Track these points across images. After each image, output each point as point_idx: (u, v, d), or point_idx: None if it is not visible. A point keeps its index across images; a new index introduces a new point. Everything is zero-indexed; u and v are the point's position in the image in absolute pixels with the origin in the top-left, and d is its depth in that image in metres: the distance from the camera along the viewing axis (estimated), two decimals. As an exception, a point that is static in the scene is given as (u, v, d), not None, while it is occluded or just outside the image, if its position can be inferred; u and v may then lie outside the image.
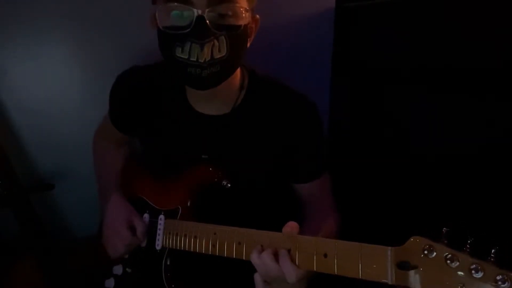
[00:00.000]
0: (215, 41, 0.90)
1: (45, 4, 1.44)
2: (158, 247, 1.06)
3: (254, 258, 0.84)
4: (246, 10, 0.94)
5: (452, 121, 1.33)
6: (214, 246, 0.93)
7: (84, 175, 1.64)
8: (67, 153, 1.66)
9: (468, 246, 0.61)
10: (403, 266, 0.66)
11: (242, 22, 0.93)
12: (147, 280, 1.09)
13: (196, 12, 0.87)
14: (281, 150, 1.11)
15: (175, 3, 0.88)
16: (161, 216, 1.08)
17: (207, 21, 0.87)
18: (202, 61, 0.90)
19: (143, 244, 1.10)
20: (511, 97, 1.13)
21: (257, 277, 0.87)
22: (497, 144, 1.21)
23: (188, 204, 1.06)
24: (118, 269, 1.15)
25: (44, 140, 1.62)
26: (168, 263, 1.05)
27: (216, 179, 1.06)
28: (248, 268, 0.93)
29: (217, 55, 0.91)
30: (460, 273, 0.60)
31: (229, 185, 1.06)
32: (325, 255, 0.76)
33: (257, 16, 1.03)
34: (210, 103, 1.09)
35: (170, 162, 1.15)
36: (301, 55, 1.69)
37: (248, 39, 1.01)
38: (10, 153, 1.54)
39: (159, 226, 1.07)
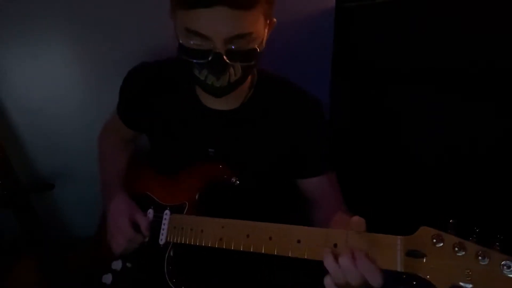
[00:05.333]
0: (231, 68, 0.92)
1: (45, 4, 1.44)
2: (161, 242, 1.06)
3: (330, 263, 0.76)
4: (262, 33, 0.94)
5: (452, 120, 1.33)
6: (221, 239, 0.93)
7: (84, 175, 1.64)
8: (67, 153, 1.66)
9: (474, 236, 0.63)
10: (412, 254, 0.68)
11: (258, 46, 0.93)
12: (148, 274, 1.09)
13: (214, 49, 0.88)
14: (288, 145, 1.12)
15: (194, 35, 0.88)
16: (167, 211, 1.08)
17: (224, 57, 0.88)
18: (218, 86, 0.95)
19: (146, 239, 1.10)
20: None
21: (328, 281, 0.78)
22: (498, 144, 1.21)
23: (196, 200, 1.07)
24: (117, 264, 1.14)
25: (44, 140, 1.63)
26: (171, 254, 1.05)
27: (225, 176, 1.07)
28: (251, 264, 0.93)
29: (233, 79, 0.95)
30: (467, 260, 0.62)
31: (237, 182, 1.06)
32: (335, 245, 0.78)
33: (274, 20, 1.00)
34: (219, 99, 1.10)
35: (177, 157, 1.15)
36: (301, 55, 1.70)
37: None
38: (10, 153, 1.54)
39: (163, 221, 1.07)
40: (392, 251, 0.70)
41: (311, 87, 1.16)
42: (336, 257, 0.75)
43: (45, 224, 1.62)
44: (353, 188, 1.17)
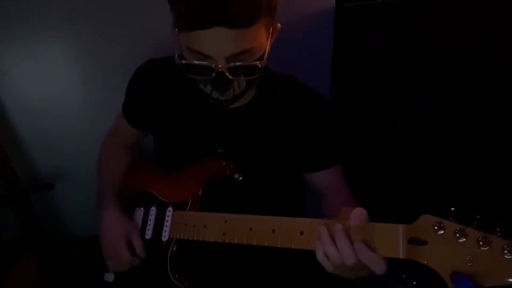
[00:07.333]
0: (235, 82, 0.94)
1: (45, 4, 1.45)
2: (164, 238, 1.06)
3: (329, 246, 0.76)
4: (265, 44, 0.93)
5: (452, 120, 1.33)
6: (224, 234, 0.93)
7: (84, 175, 1.63)
8: (67, 153, 1.66)
9: (475, 222, 0.63)
10: (414, 242, 0.68)
11: (260, 60, 0.93)
12: (150, 272, 1.09)
13: (217, 67, 0.89)
14: (297, 139, 1.11)
15: (197, 54, 0.89)
16: (170, 208, 1.08)
17: (227, 74, 0.90)
18: (224, 99, 0.99)
19: (148, 236, 1.10)
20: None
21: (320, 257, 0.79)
22: (498, 143, 1.21)
23: (199, 196, 1.06)
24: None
25: (44, 140, 1.63)
26: (175, 249, 1.05)
27: (228, 172, 1.06)
28: (254, 259, 0.93)
29: (237, 92, 0.98)
30: (468, 246, 0.62)
31: (240, 178, 1.06)
32: None
33: (278, 25, 0.99)
34: None
35: (184, 155, 1.14)
36: (301, 54, 1.70)
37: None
38: (10, 153, 1.54)
39: (167, 218, 1.07)
40: (394, 239, 0.70)
41: (311, 86, 1.16)
42: (332, 237, 0.76)
43: (45, 224, 1.62)
44: (353, 184, 1.17)
